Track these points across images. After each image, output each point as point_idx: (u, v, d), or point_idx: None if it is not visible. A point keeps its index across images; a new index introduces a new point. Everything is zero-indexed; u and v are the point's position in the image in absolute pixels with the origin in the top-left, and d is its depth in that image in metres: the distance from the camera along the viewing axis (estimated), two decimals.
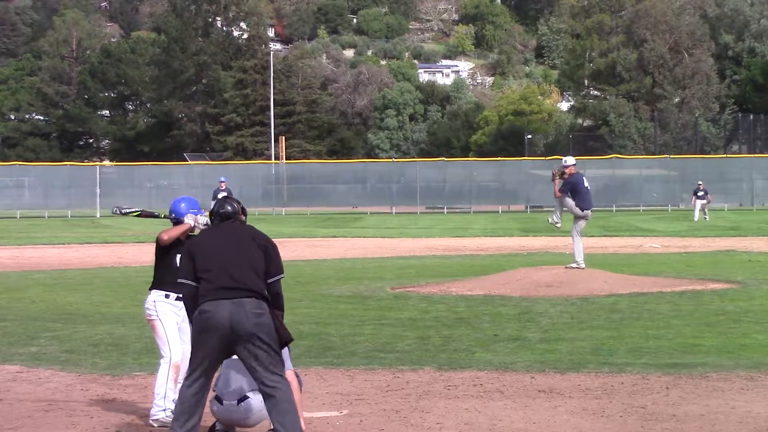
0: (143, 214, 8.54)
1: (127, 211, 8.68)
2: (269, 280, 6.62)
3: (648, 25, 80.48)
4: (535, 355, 10.55)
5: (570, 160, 17.63)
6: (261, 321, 6.41)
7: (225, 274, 6.49)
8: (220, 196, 32.19)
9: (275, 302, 6.64)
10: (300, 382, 7.20)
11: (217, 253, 6.60)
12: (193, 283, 6.57)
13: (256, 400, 6.95)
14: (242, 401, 6.99)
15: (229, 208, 6.89)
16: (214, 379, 7.46)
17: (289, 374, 6.95)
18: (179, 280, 6.71)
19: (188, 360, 6.80)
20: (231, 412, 7.01)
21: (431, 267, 22.09)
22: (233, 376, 7.01)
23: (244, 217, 7.01)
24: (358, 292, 16.75)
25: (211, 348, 6.46)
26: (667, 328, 12.25)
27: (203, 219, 7.84)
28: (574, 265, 17.19)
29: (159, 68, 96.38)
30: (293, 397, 6.59)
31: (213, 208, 6.95)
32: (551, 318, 13.32)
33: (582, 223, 17.50)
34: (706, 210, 43.34)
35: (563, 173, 17.35)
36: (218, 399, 7.06)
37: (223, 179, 33.97)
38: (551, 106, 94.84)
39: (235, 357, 6.67)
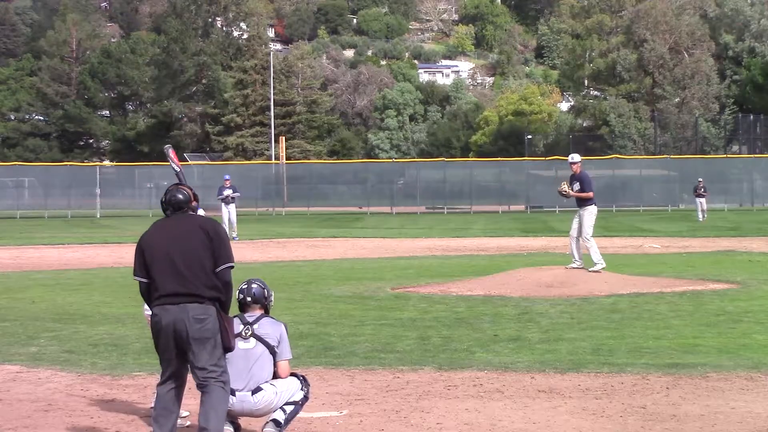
0: (179, 177, 8.10)
1: (173, 161, 8.32)
2: (217, 269, 6.53)
3: (648, 25, 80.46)
4: (535, 355, 10.55)
5: (576, 157, 17.57)
6: (203, 327, 6.45)
7: (172, 277, 6.49)
8: (225, 193, 32.40)
9: (225, 291, 6.57)
10: (307, 383, 7.30)
11: (165, 250, 6.54)
12: (145, 280, 6.60)
13: (269, 390, 7.14)
14: (256, 392, 7.14)
15: (180, 196, 6.71)
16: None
17: (284, 365, 7.18)
18: (134, 278, 6.68)
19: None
20: (244, 403, 7.12)
21: (431, 267, 22.07)
22: (242, 368, 7.12)
23: (196, 203, 6.87)
24: (358, 292, 16.74)
25: (168, 350, 6.55)
26: (667, 328, 12.24)
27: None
28: (599, 266, 16.97)
29: (159, 68, 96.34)
30: (225, 399, 6.58)
31: (164, 196, 6.78)
32: (551, 318, 13.31)
33: (593, 220, 17.35)
34: (705, 208, 43.26)
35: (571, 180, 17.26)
36: (231, 392, 7.12)
37: (227, 177, 33.72)
38: (551, 106, 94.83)
39: (236, 350, 6.87)
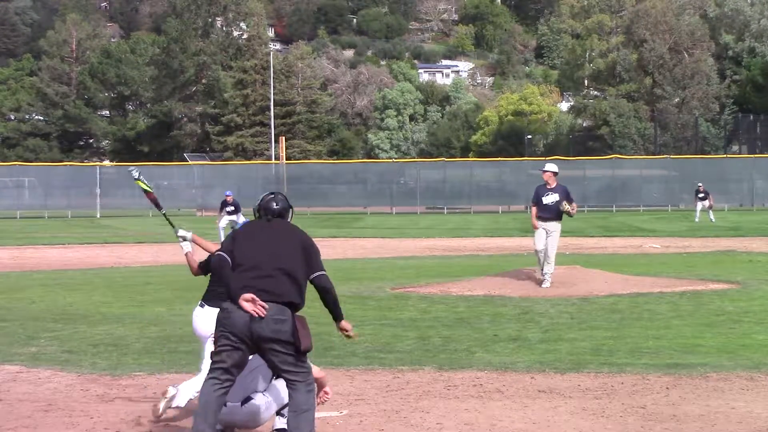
0: (150, 196, 8.42)
1: (142, 180, 8.53)
2: (311, 276, 6.64)
3: (648, 26, 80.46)
4: (535, 355, 10.55)
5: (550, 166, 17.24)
6: (280, 328, 6.40)
7: (256, 276, 6.49)
8: (228, 209, 31.97)
9: (323, 297, 6.71)
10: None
11: (256, 250, 6.62)
12: (227, 256, 6.60)
13: (260, 401, 6.95)
14: (246, 402, 6.97)
15: (277, 205, 6.92)
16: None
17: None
18: (217, 252, 6.74)
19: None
20: (234, 414, 6.96)
21: (431, 267, 22.08)
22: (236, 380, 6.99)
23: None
24: (358, 292, 16.74)
25: (230, 346, 6.44)
26: (667, 329, 12.24)
27: (187, 246, 7.99)
28: (548, 284, 16.57)
29: (159, 68, 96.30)
30: (313, 398, 6.62)
31: (261, 202, 6.94)
32: (551, 318, 13.32)
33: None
34: (710, 212, 43.19)
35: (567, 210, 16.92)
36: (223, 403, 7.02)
37: (229, 193, 32.73)
38: (551, 106, 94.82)
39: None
